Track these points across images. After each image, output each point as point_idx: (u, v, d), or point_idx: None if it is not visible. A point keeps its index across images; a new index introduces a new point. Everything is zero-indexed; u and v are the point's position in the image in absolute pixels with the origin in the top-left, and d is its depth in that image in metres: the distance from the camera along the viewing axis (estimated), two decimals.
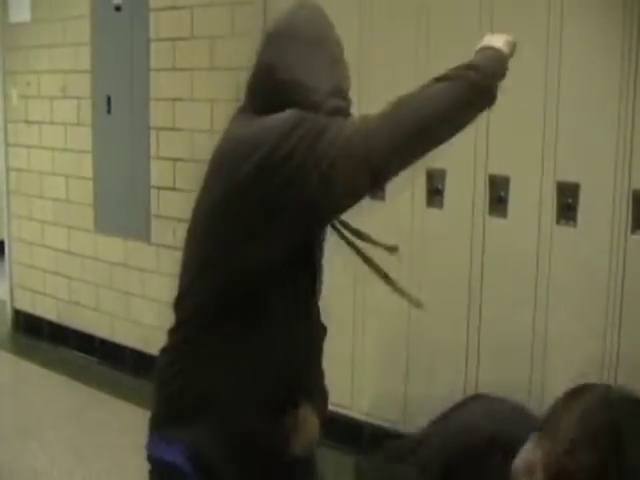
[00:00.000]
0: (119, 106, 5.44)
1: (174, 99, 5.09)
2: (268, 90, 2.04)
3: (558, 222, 3.62)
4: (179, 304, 2.09)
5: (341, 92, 2.06)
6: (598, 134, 3.49)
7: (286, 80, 2.01)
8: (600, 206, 3.50)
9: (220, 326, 2.00)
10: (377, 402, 4.30)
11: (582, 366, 3.45)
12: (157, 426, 2.10)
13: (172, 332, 2.11)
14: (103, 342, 5.69)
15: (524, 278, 3.72)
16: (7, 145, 6.37)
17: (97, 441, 4.41)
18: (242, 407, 2.02)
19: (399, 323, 4.08)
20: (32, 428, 4.74)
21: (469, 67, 1.90)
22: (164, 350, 2.13)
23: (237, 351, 2.01)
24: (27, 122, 6.14)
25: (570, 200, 3.58)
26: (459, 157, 3.71)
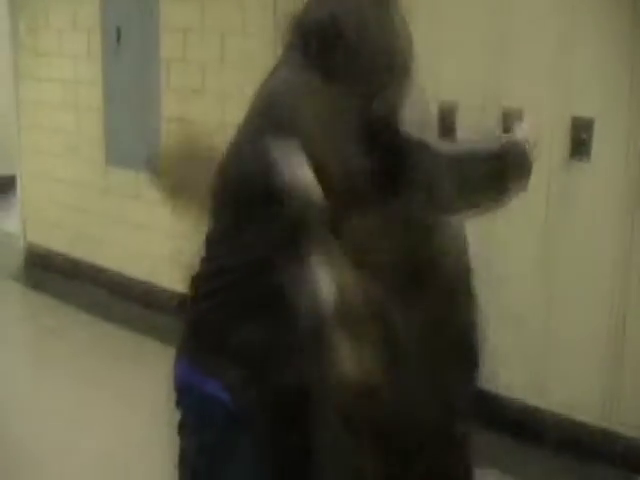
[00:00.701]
0: (129, 37, 5.38)
1: (184, 29, 5.03)
2: (330, 47, 1.92)
3: None
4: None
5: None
6: None
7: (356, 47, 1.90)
8: None
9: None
10: None
11: None
12: (195, 358, 2.07)
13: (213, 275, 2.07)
14: (114, 274, 5.72)
15: None
16: (17, 78, 6.34)
17: (108, 372, 4.46)
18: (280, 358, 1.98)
19: None
20: (44, 359, 4.80)
21: None
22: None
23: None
24: (37, 54, 6.10)
25: None
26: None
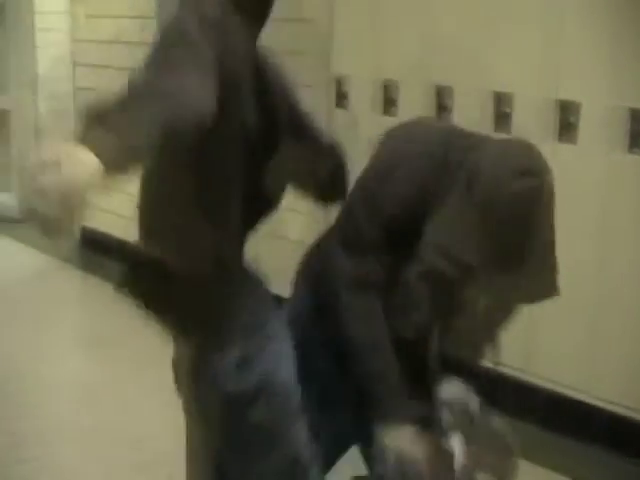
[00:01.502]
0: None
1: None
2: None
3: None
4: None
5: None
6: None
7: None
8: None
9: None
10: None
11: None
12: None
13: None
14: None
15: None
16: (74, 65, 6.44)
17: (161, 353, 4.52)
18: None
19: None
20: (99, 341, 4.89)
21: None
22: None
23: None
24: (94, 42, 6.19)
25: None
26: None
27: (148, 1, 5.72)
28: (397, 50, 4.29)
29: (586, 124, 3.63)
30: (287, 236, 4.95)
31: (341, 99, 4.60)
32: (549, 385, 3.85)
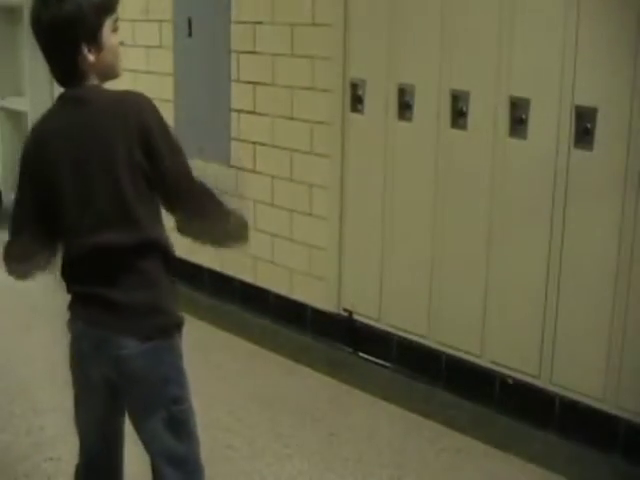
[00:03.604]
0: (200, 29, 5.46)
1: (255, 22, 5.09)
2: None
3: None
4: None
5: None
6: None
7: None
8: None
9: None
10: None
11: None
12: None
13: None
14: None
15: None
16: None
17: None
18: None
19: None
20: None
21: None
22: None
23: None
24: None
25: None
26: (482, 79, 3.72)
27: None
28: (413, 55, 4.28)
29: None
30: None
31: (356, 103, 4.58)
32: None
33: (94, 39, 2.30)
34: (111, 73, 2.46)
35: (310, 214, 4.92)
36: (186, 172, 2.39)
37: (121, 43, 2.45)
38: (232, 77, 5.28)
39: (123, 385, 2.39)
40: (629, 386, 3.64)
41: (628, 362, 3.63)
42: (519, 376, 4.03)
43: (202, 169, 5.27)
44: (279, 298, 5.18)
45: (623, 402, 3.65)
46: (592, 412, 3.76)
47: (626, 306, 3.60)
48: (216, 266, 5.53)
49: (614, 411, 3.68)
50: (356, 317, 4.79)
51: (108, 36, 2.35)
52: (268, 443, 3.90)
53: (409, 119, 4.36)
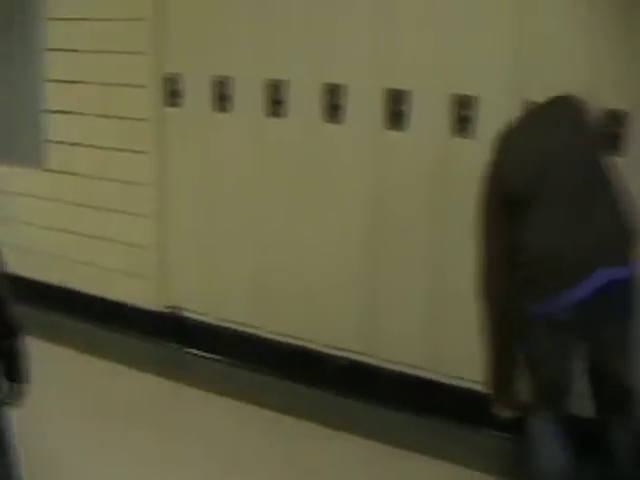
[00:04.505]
0: (6, 26, 5.21)
1: (70, 19, 4.92)
2: None
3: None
4: None
5: None
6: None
7: None
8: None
9: None
10: None
11: None
12: None
13: None
14: None
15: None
16: None
17: None
18: None
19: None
20: None
21: None
22: None
23: None
24: None
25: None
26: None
27: None
28: (228, 47, 4.30)
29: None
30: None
31: (173, 98, 4.54)
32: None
33: None
34: None
35: (131, 213, 4.83)
36: None
37: None
38: (45, 77, 5.09)
39: None
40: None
41: None
42: (352, 356, 4.09)
43: (7, 175, 5.18)
44: (101, 300, 5.05)
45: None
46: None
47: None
48: (25, 272, 5.28)
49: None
50: (183, 313, 4.74)
51: None
52: (99, 448, 3.79)
53: (228, 111, 4.37)
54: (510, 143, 3.02)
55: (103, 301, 5.03)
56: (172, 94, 4.54)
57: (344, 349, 4.14)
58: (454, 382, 3.79)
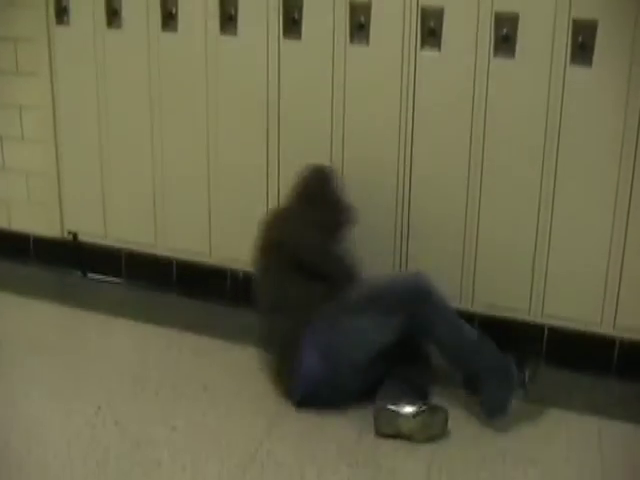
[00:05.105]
0: None
1: None
2: None
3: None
4: None
5: None
6: None
7: None
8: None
9: None
10: None
11: None
12: None
13: None
14: None
15: None
16: None
17: None
18: None
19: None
20: None
21: None
22: None
23: None
24: None
25: None
26: None
27: None
28: None
29: None
30: None
31: (62, 15, 4.39)
32: None
33: None
34: None
35: (22, 138, 4.68)
36: None
37: None
38: None
39: None
40: None
41: None
42: (248, 269, 4.05)
43: None
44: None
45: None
46: None
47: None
48: None
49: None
50: (81, 238, 4.64)
51: None
52: (11, 382, 3.69)
53: (118, 26, 4.24)
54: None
55: (2, 231, 4.90)
56: (60, 11, 4.39)
57: (240, 262, 4.11)
58: None
